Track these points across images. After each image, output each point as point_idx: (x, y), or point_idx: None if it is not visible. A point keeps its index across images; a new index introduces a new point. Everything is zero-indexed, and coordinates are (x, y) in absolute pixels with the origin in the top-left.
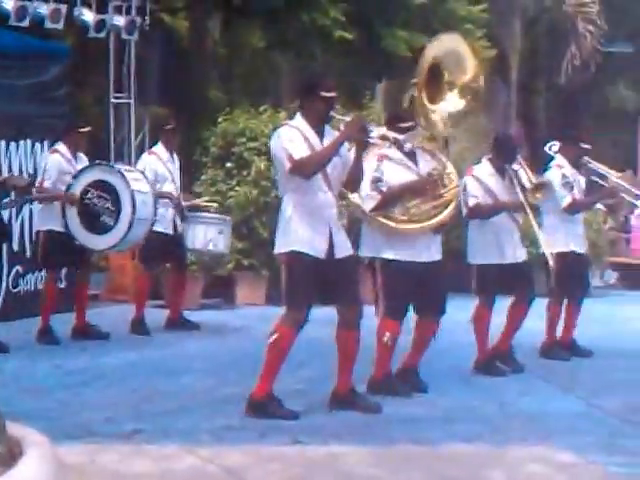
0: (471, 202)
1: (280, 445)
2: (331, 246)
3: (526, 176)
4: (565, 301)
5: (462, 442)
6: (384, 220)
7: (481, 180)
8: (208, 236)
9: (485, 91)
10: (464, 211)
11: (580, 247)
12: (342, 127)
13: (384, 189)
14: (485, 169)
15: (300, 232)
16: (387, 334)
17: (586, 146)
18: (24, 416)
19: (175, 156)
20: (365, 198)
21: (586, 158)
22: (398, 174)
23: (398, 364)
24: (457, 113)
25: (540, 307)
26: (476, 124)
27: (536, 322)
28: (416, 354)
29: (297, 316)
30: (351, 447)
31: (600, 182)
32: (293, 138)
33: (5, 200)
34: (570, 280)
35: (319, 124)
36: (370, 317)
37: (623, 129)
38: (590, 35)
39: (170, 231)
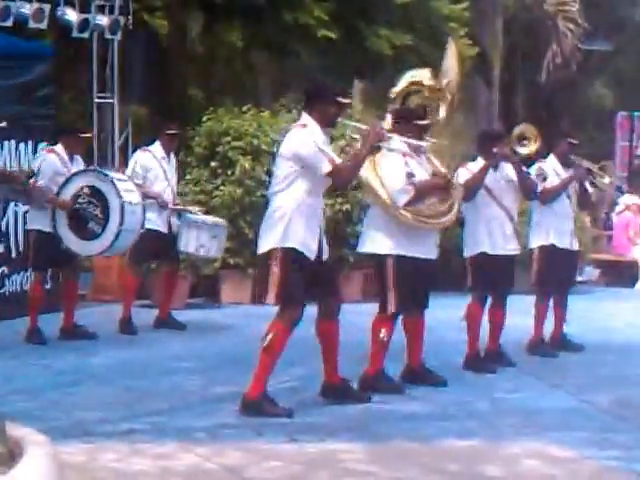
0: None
1: (277, 443)
2: (319, 247)
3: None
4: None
5: (457, 438)
6: (408, 214)
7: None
8: (200, 241)
9: (465, 90)
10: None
11: (562, 242)
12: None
13: (416, 184)
14: (479, 165)
15: (300, 232)
16: (383, 330)
17: (573, 141)
18: (17, 416)
19: (172, 157)
20: (398, 192)
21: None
22: (419, 171)
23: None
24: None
25: (525, 303)
26: (453, 123)
27: (523, 318)
28: (419, 350)
29: (293, 314)
30: (348, 444)
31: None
32: (323, 141)
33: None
34: (551, 275)
35: (327, 127)
36: (357, 314)
37: (600, 127)
38: (571, 33)
39: (164, 229)
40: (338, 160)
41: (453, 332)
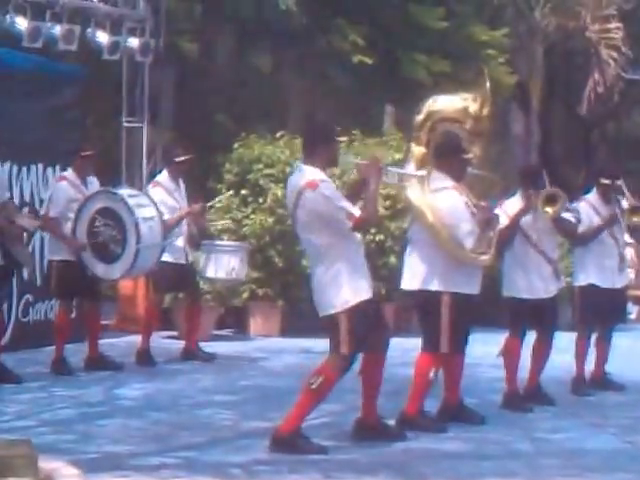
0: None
1: None
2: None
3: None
4: (594, 335)
5: (497, 478)
6: (473, 253)
7: (508, 213)
8: (232, 264)
9: (502, 119)
10: None
11: (604, 281)
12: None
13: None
14: (517, 203)
15: (354, 283)
16: (434, 369)
17: (606, 182)
18: (47, 449)
19: (181, 183)
20: (468, 235)
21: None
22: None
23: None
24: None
25: (563, 341)
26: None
27: (564, 356)
28: (456, 389)
29: (348, 363)
30: None
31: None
32: (338, 193)
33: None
34: (592, 314)
35: (331, 167)
36: (390, 349)
37: (637, 157)
38: (614, 62)
39: (182, 261)
40: (355, 210)
41: (489, 369)
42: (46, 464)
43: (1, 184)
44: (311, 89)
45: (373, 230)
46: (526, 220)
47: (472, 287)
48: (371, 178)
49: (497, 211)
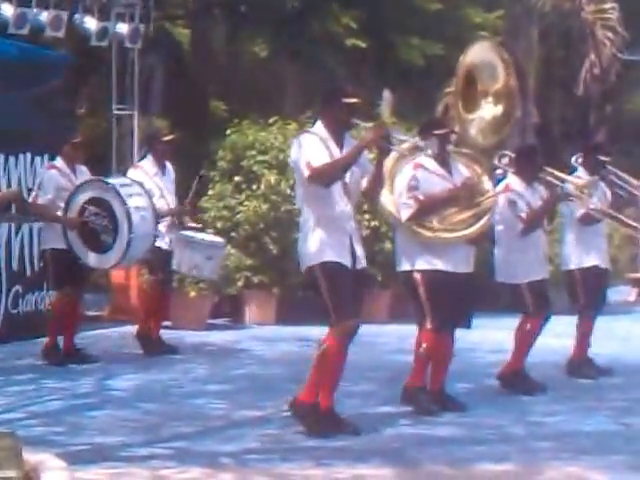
0: (523, 214)
1: (304, 468)
2: (353, 257)
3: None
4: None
5: (491, 463)
6: (419, 229)
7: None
8: (194, 261)
9: None
10: (499, 228)
11: (602, 261)
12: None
13: (421, 197)
14: (515, 183)
15: (326, 243)
16: (424, 345)
17: (605, 158)
18: (35, 441)
19: (169, 168)
20: (401, 206)
21: (609, 168)
22: (434, 183)
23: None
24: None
25: (559, 324)
26: None
27: (561, 340)
28: (439, 373)
29: (344, 326)
30: (378, 469)
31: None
32: (313, 145)
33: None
34: (597, 295)
35: (340, 132)
36: (384, 335)
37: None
38: (610, 43)
39: (166, 246)
40: (319, 162)
41: (485, 354)
42: (32, 456)
43: None
44: (305, 74)
45: (367, 216)
46: (536, 201)
47: (449, 264)
48: (365, 139)
49: (506, 195)
